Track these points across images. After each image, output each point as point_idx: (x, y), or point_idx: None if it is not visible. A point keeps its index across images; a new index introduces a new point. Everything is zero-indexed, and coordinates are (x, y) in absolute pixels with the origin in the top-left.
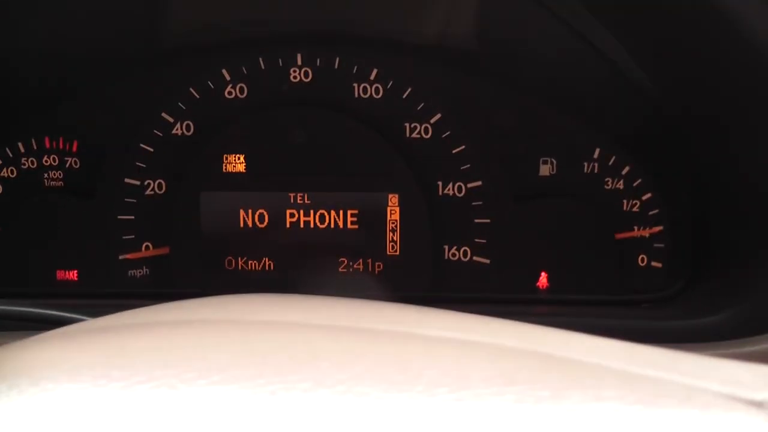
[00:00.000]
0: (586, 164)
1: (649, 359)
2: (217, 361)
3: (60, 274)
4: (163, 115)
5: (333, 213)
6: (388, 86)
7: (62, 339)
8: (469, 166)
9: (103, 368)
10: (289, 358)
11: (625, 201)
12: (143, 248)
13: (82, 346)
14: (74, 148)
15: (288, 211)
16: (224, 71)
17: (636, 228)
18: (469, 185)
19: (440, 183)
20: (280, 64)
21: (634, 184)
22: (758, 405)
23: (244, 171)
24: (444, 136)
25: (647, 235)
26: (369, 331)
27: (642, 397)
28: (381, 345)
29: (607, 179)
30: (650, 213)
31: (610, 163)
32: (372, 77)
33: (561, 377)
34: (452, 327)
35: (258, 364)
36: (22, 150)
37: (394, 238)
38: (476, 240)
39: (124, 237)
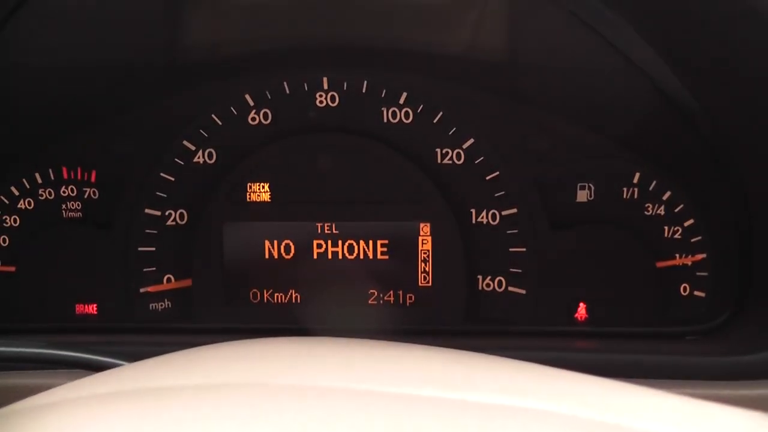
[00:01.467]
0: (625, 189)
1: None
2: None
3: (79, 308)
4: (184, 142)
5: (362, 243)
6: (419, 110)
7: (65, 411)
8: (503, 192)
9: None
10: None
11: (666, 227)
12: (165, 281)
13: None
14: (93, 178)
15: (315, 242)
16: (247, 96)
17: (678, 256)
18: (504, 213)
19: (473, 211)
20: (306, 88)
21: (676, 210)
22: None
23: (268, 200)
24: (477, 161)
25: (690, 263)
26: (416, 398)
27: None
28: (434, 421)
29: (647, 205)
30: (693, 240)
31: (651, 188)
32: (401, 101)
33: None
34: (508, 388)
35: None
36: (40, 181)
37: (426, 269)
38: (511, 270)
39: (144, 269)
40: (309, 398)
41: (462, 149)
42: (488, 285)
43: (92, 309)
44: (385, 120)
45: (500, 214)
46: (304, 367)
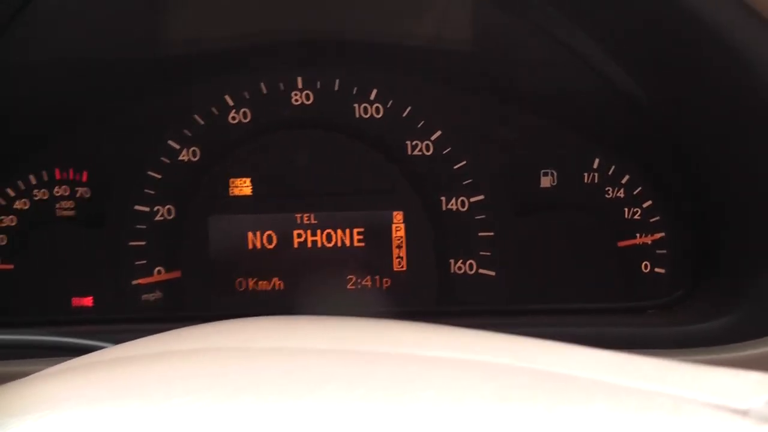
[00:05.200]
0: (586, 175)
1: (639, 370)
2: (223, 394)
3: (75, 301)
4: (170, 142)
5: (339, 232)
6: (388, 105)
7: (74, 374)
8: (471, 180)
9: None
10: (292, 383)
11: (626, 209)
12: (155, 273)
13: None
14: (84, 178)
15: (295, 232)
16: (227, 97)
17: (638, 235)
18: (472, 199)
19: (443, 198)
20: (282, 87)
21: (635, 192)
22: (744, 413)
23: (250, 194)
24: (445, 152)
25: (649, 242)
26: (369, 353)
27: (630, 409)
28: (380, 367)
29: (607, 188)
30: (651, 220)
31: (610, 172)
32: (372, 97)
33: (552, 393)
34: (448, 346)
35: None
36: (34, 182)
37: (401, 254)
38: (481, 253)
39: (136, 262)
40: (280, 357)
41: (430, 141)
42: (460, 268)
43: (88, 301)
44: (357, 116)
45: (469, 201)
46: (278, 334)
